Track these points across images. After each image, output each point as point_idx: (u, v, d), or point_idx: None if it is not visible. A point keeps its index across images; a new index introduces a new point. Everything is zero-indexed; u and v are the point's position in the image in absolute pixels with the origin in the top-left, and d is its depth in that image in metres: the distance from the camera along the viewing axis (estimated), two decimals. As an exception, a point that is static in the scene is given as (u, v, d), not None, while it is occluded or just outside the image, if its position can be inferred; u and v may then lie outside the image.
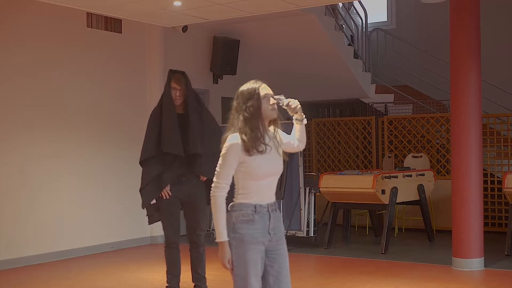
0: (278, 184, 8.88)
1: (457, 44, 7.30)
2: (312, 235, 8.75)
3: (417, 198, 8.92)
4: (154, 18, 8.60)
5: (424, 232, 9.34)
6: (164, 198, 5.68)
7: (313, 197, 8.80)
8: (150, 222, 5.96)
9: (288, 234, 8.63)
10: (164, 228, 5.83)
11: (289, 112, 3.70)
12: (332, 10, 10.96)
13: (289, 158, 8.48)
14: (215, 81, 10.82)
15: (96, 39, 8.87)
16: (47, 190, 8.17)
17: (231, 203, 3.56)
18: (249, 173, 3.46)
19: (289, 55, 11.06)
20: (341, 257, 8.17)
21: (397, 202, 8.49)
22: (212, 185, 3.49)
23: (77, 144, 8.58)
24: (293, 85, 11.79)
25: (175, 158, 5.62)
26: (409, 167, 9.55)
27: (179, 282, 5.87)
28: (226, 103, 10.41)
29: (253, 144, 3.44)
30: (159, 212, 5.80)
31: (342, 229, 9.62)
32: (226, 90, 10.70)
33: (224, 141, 3.50)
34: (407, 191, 8.69)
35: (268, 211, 3.53)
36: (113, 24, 9.08)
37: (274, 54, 11.22)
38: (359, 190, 8.35)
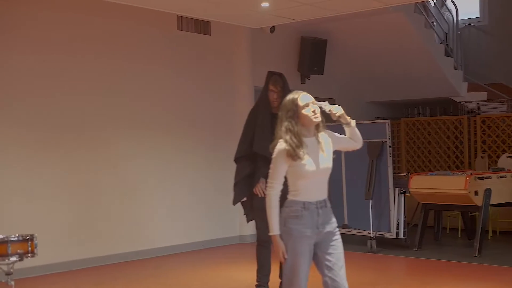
0: (366, 185, 8.72)
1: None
2: (402, 236, 8.62)
3: (512, 199, 8.64)
4: (242, 19, 8.71)
5: (520, 235, 9.03)
6: (259, 196, 5.67)
7: (402, 198, 8.67)
8: (248, 220, 6.00)
9: (377, 235, 8.54)
10: (257, 226, 5.81)
11: (332, 118, 3.91)
12: (423, 7, 10.75)
13: (377, 158, 8.49)
14: (303, 81, 10.83)
15: (187, 42, 9.06)
16: (141, 190, 8.40)
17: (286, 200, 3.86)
18: (296, 174, 3.77)
19: (377, 54, 10.93)
20: (432, 259, 8.00)
21: (491, 203, 8.24)
22: (267, 184, 3.84)
23: (171, 145, 8.79)
24: (382, 84, 11.68)
25: (265, 158, 5.66)
26: (504, 168, 9.26)
27: (268, 282, 5.86)
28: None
29: (294, 151, 3.71)
30: (252, 211, 5.83)
31: (432, 231, 9.42)
32: (313, 90, 10.45)
33: (274, 147, 3.81)
34: (501, 192, 8.42)
35: (317, 207, 3.80)
36: (202, 27, 9.25)
37: (362, 53, 11.12)
38: (450, 191, 8.16)
